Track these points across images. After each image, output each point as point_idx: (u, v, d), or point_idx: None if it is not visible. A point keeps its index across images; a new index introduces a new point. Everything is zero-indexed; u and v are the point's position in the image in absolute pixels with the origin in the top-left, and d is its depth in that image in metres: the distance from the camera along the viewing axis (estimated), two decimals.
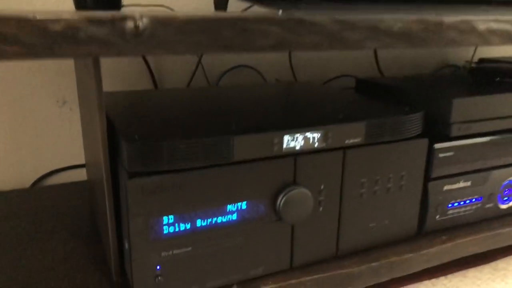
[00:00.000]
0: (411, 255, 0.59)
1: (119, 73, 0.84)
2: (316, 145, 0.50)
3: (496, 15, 0.50)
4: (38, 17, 0.32)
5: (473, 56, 1.13)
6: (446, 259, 0.62)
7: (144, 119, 0.51)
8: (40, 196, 0.74)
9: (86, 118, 0.58)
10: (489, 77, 0.73)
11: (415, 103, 0.63)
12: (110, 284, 0.50)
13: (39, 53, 0.32)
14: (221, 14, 0.38)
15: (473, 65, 0.81)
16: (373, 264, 0.56)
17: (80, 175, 0.84)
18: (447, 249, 0.61)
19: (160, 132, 0.46)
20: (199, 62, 0.88)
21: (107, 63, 0.82)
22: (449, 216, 0.63)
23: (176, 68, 0.88)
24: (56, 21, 0.32)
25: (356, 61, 1.03)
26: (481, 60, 0.90)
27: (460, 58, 1.13)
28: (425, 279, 0.71)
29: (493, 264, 0.76)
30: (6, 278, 0.51)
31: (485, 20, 0.50)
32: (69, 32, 0.33)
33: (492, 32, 0.51)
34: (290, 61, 0.96)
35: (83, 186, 0.78)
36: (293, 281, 0.52)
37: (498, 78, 0.70)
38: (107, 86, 0.83)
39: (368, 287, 0.68)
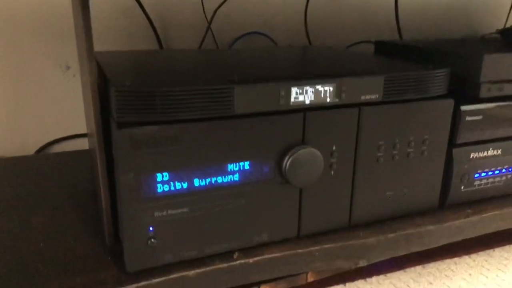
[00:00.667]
0: (431, 227, 0.53)
1: (124, 36, 0.80)
2: (328, 100, 0.45)
3: None
4: None
5: (505, 24, 1.05)
6: (470, 234, 0.57)
7: (139, 72, 0.47)
8: (43, 163, 0.71)
9: (83, 79, 0.54)
10: None
11: (440, 62, 0.57)
12: (103, 247, 0.47)
13: None
14: None
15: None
16: (389, 235, 0.51)
17: (84, 144, 0.81)
18: (472, 223, 0.56)
19: (154, 81, 0.42)
20: (209, 27, 0.83)
21: (111, 23, 0.78)
22: (476, 188, 0.57)
23: (184, 35, 0.84)
24: None
25: (376, 27, 0.97)
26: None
27: (489, 27, 1.05)
28: (447, 258, 0.66)
29: None
30: (5, 243, 0.48)
31: None
32: None
33: None
34: (306, 27, 0.90)
35: (86, 155, 0.75)
36: (300, 251, 0.48)
37: None
38: (112, 46, 0.79)
39: (384, 264, 0.63)
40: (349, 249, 0.50)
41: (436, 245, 0.55)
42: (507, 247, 0.69)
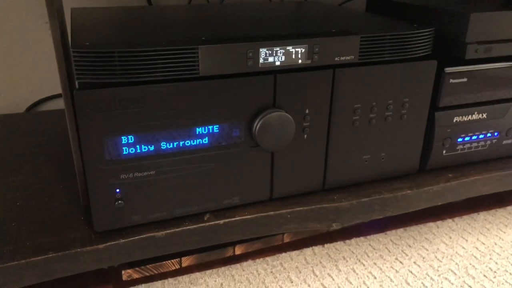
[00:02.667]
0: (408, 192, 0.53)
1: None
2: (300, 61, 0.44)
3: None
4: None
5: None
6: (450, 198, 0.56)
7: (106, 32, 0.46)
8: (31, 121, 0.72)
9: None
10: None
11: (429, 20, 0.54)
12: (78, 208, 0.48)
13: None
14: None
15: None
16: (363, 199, 0.51)
17: None
18: (452, 188, 0.55)
19: (117, 41, 0.40)
20: None
21: None
22: (458, 152, 0.56)
23: None
24: None
25: None
26: None
27: None
28: (430, 221, 0.66)
29: (509, 208, 0.70)
30: None
31: None
32: None
33: None
34: None
35: None
36: (271, 213, 0.48)
37: None
38: (98, 3, 0.77)
39: (365, 226, 0.63)
40: (322, 212, 0.50)
41: (413, 210, 0.54)
42: (492, 211, 0.68)
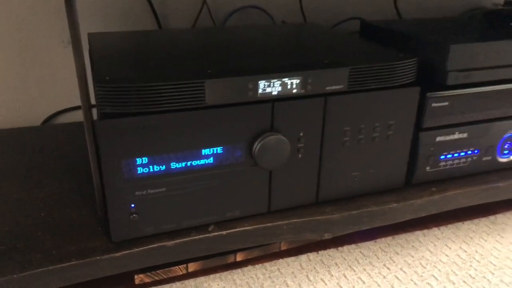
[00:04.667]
0: (395, 205, 0.58)
1: (123, 14, 0.83)
2: (294, 91, 0.49)
3: None
4: None
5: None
6: (434, 210, 0.62)
7: (122, 64, 0.51)
8: (49, 134, 0.77)
9: None
10: (505, 21, 0.67)
11: (415, 48, 0.60)
12: (96, 219, 0.53)
13: None
14: None
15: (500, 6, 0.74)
16: (353, 212, 0.56)
17: None
18: (435, 201, 0.60)
19: (133, 75, 0.46)
20: (204, 1, 0.86)
21: (110, 3, 0.82)
22: (441, 168, 0.61)
23: (181, 8, 0.86)
24: None
25: (374, 3, 0.97)
26: (508, 3, 0.84)
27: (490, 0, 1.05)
28: (417, 230, 0.71)
29: (492, 217, 0.75)
30: (12, 212, 0.55)
31: None
32: None
33: None
34: (300, 1, 0.92)
35: None
36: (269, 224, 0.54)
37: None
38: (111, 27, 0.83)
39: (357, 234, 0.68)
40: (315, 223, 0.55)
41: (399, 221, 0.60)
42: (476, 220, 0.74)
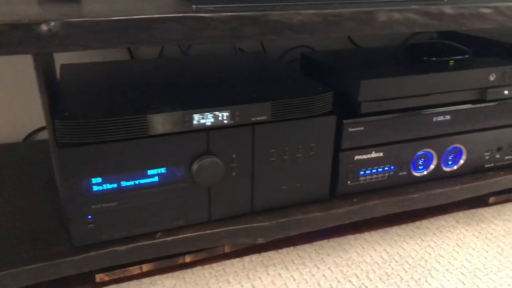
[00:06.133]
0: (318, 214, 0.69)
1: None
2: (225, 121, 0.60)
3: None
4: None
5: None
6: (355, 218, 0.72)
7: (83, 98, 0.61)
8: (28, 150, 0.87)
9: None
10: (421, 55, 0.78)
11: (337, 80, 0.70)
12: (62, 228, 0.63)
13: None
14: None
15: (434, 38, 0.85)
16: (281, 220, 0.67)
17: None
18: (355, 210, 0.71)
19: (88, 110, 0.56)
20: None
21: None
22: (361, 182, 0.72)
23: None
24: None
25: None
26: (441, 35, 0.94)
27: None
28: (350, 234, 0.82)
29: (418, 223, 0.85)
30: None
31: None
32: None
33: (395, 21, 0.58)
34: None
35: None
36: (209, 231, 0.64)
37: (425, 58, 0.75)
38: (84, 57, 0.93)
39: (297, 237, 0.79)
40: (249, 230, 0.66)
41: (324, 227, 0.70)
42: (403, 226, 0.84)
